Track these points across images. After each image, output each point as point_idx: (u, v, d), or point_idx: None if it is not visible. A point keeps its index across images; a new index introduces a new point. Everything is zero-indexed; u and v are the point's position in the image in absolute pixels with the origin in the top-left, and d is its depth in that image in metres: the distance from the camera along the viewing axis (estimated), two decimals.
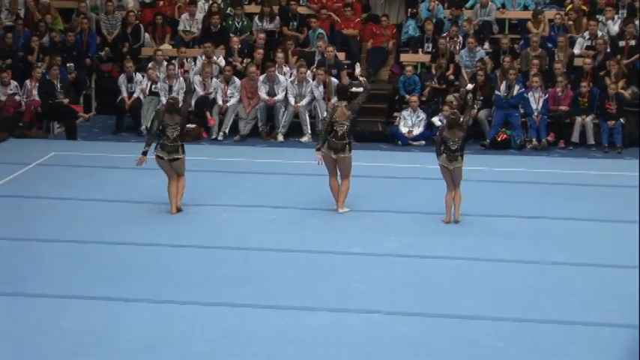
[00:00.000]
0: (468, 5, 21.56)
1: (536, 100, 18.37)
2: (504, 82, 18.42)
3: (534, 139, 18.19)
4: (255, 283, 10.51)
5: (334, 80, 19.09)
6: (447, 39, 19.98)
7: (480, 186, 14.66)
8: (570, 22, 20.40)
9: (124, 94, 19.18)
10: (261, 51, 19.71)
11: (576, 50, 19.71)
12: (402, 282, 10.64)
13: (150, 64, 19.63)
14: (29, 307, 9.74)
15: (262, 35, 20.30)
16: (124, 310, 9.69)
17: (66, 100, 18.74)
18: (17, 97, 18.89)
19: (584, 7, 20.82)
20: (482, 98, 18.64)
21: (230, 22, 21.13)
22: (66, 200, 13.67)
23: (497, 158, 16.97)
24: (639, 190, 13.64)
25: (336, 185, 13.35)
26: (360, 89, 19.76)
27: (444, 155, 12.80)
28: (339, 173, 13.32)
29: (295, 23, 21.30)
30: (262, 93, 18.89)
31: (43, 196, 13.85)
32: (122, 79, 19.42)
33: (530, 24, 20.55)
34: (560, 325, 9.48)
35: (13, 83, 19.01)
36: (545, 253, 11.62)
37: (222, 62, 19.69)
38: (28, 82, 18.99)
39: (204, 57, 19.61)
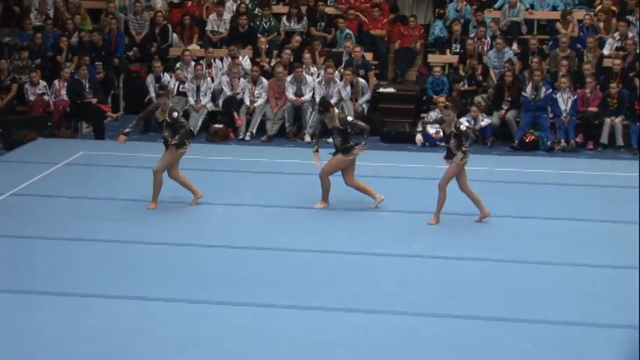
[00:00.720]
0: (496, 6, 21.51)
1: (564, 101, 18.29)
2: (531, 84, 18.35)
3: (563, 141, 18.11)
4: (282, 284, 10.52)
5: (362, 81, 19.09)
6: (475, 40, 19.92)
7: (508, 187, 14.63)
8: (600, 23, 20.29)
9: (152, 94, 19.23)
10: (288, 51, 19.72)
11: (606, 51, 19.60)
12: (429, 283, 10.62)
13: (178, 65, 19.69)
14: (58, 305, 9.79)
15: (298, 38, 20.29)
16: (152, 310, 9.72)
17: (94, 100, 18.81)
18: (46, 97, 19.00)
19: (613, 8, 20.70)
20: (510, 99, 18.58)
21: (258, 22, 21.16)
22: (94, 200, 13.72)
23: (525, 159, 16.89)
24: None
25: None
26: (391, 89, 19.88)
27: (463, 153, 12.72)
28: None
29: (323, 24, 21.31)
30: (290, 93, 18.90)
31: (71, 195, 13.90)
32: (150, 79, 19.49)
33: (559, 25, 20.45)
34: (589, 327, 9.43)
35: (42, 83, 19.13)
36: (573, 255, 11.57)
37: (248, 63, 19.71)
38: (56, 81, 19.09)
39: (229, 58, 19.65)
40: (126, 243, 11.84)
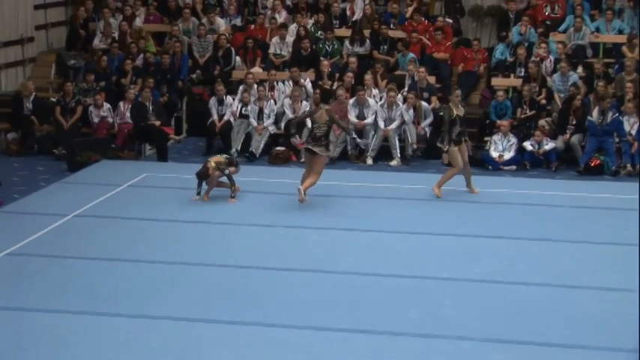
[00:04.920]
0: (561, 29, 21.34)
1: (630, 126, 18.06)
2: (597, 108, 18.14)
3: (628, 165, 17.87)
4: (343, 307, 10.46)
5: (424, 104, 19.00)
6: (537, 61, 19.73)
7: (573, 212, 14.45)
8: None
9: (215, 117, 19.34)
10: (350, 74, 19.72)
11: None
12: (492, 308, 10.49)
13: (241, 87, 19.77)
14: (120, 327, 9.82)
15: (353, 59, 20.30)
16: (212, 331, 9.72)
17: (157, 123, 18.94)
18: (110, 119, 19.18)
19: None
20: (574, 123, 18.38)
21: (320, 45, 21.21)
22: (156, 221, 13.78)
23: (590, 184, 16.66)
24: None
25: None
26: None
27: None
28: None
29: (385, 47, 21.28)
30: (352, 116, 18.87)
31: (134, 217, 13.98)
32: (213, 101, 19.59)
33: (624, 48, 20.26)
34: None
35: (106, 105, 19.31)
36: (637, 282, 11.35)
37: (309, 85, 19.75)
38: (121, 103, 19.28)
39: (291, 81, 19.71)
40: (188, 265, 11.86)
